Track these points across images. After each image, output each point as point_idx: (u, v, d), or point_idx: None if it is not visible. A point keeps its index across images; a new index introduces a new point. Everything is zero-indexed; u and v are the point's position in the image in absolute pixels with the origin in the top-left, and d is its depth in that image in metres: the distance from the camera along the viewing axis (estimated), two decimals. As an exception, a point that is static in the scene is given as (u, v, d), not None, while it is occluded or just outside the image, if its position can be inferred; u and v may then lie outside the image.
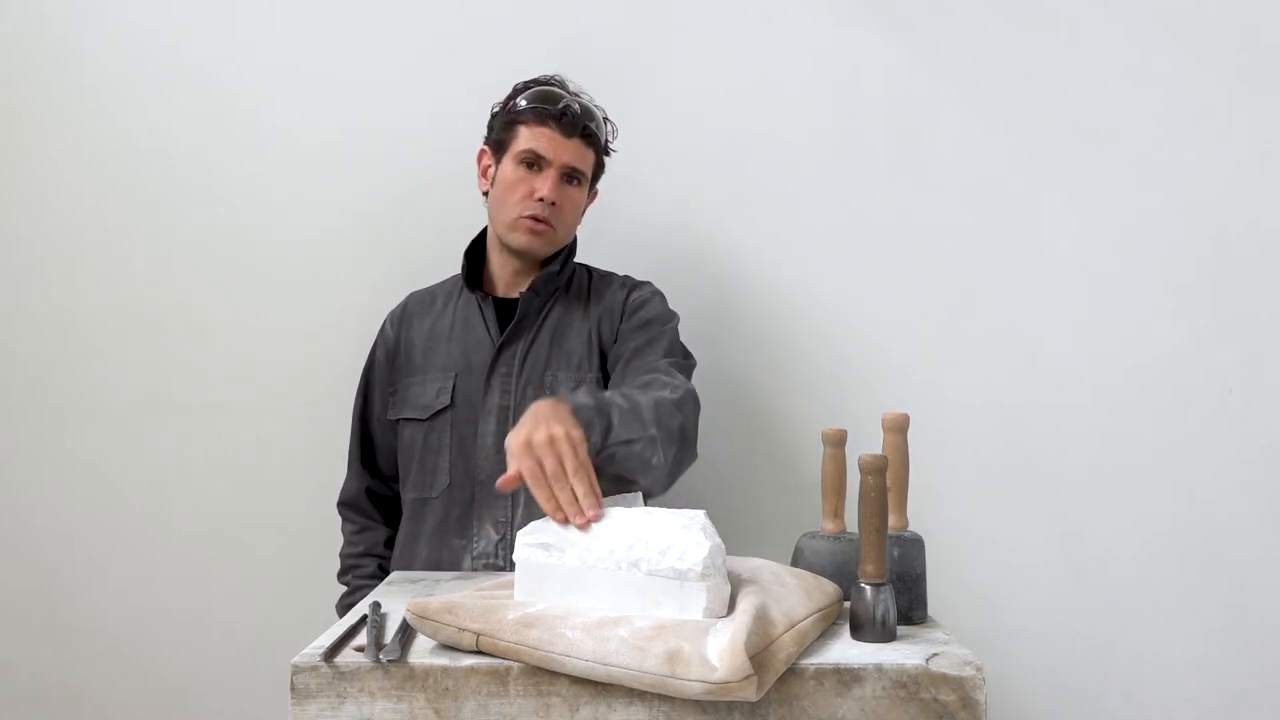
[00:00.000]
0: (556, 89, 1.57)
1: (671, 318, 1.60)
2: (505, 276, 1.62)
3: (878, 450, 1.06)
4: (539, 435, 1.13)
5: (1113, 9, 1.85)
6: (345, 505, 1.69)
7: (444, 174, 1.83)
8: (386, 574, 1.60)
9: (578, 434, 1.16)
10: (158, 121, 1.85)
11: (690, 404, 1.42)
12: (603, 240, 1.78)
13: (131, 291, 1.84)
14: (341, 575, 1.66)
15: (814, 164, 1.86)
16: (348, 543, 1.67)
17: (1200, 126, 1.84)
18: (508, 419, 1.51)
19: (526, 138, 1.54)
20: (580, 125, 1.55)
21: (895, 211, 1.85)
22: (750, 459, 1.84)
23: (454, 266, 1.72)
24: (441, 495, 1.53)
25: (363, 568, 1.64)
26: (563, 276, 1.61)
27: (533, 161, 1.54)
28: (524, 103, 1.56)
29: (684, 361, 1.55)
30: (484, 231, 1.66)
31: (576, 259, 1.67)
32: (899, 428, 1.12)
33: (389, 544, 1.65)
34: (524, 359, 1.55)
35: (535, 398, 1.47)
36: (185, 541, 1.83)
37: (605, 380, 1.56)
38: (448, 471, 1.53)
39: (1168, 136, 1.84)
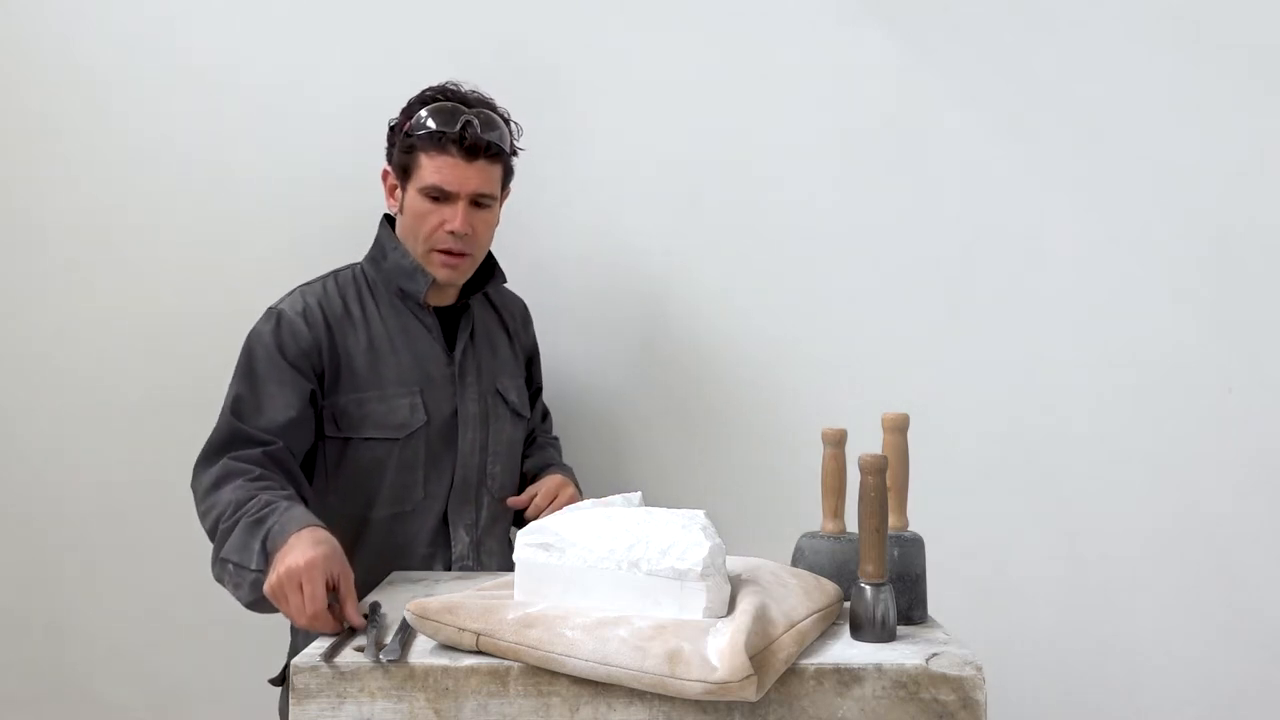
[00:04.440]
0: (453, 104, 1.48)
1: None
2: (432, 290, 1.56)
3: (878, 450, 1.06)
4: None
5: (1113, 9, 1.84)
6: (236, 457, 1.37)
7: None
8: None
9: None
10: (159, 120, 1.84)
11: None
12: (604, 240, 1.78)
13: (131, 291, 1.84)
14: (234, 511, 1.30)
15: (814, 164, 1.86)
16: (245, 483, 1.33)
17: (1200, 126, 1.84)
18: (482, 425, 1.56)
19: (429, 170, 1.47)
20: (482, 147, 1.47)
21: (895, 211, 1.85)
22: (750, 459, 1.84)
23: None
24: (418, 508, 1.53)
25: (274, 488, 1.34)
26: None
27: (438, 196, 1.48)
28: (423, 122, 1.47)
29: (547, 416, 1.80)
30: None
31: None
32: (899, 428, 1.12)
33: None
34: (478, 367, 1.58)
35: (495, 404, 1.58)
36: (185, 542, 1.82)
37: (530, 385, 1.72)
38: (422, 485, 1.53)
39: (1168, 136, 1.84)
